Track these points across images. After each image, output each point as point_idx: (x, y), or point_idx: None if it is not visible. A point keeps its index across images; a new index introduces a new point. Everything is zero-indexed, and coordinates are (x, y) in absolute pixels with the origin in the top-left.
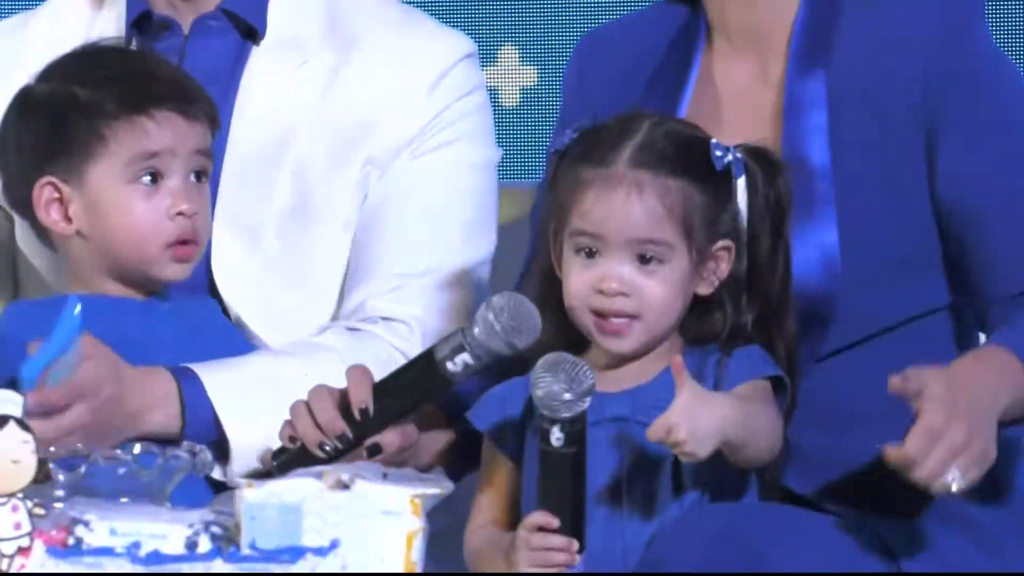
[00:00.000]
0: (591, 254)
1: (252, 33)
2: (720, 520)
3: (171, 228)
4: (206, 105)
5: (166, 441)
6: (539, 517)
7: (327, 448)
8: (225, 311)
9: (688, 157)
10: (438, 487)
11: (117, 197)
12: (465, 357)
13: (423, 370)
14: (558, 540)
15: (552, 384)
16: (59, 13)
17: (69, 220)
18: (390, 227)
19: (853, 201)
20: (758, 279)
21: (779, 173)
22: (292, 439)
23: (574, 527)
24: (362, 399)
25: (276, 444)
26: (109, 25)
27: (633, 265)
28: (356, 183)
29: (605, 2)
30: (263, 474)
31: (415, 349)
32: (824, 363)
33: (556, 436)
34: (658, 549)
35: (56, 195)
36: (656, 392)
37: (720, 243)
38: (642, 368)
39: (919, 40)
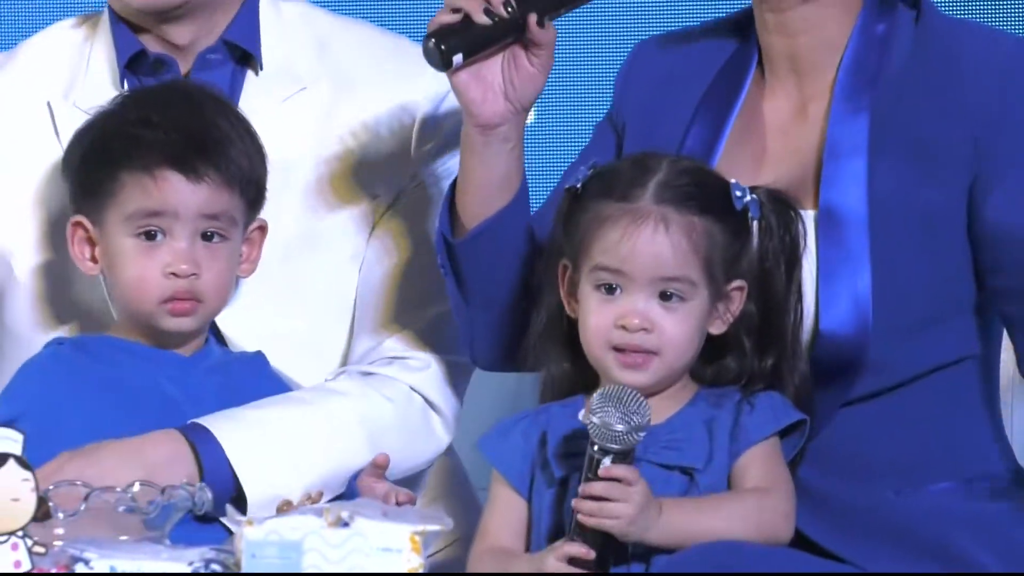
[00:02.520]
0: (611, 290)
1: (248, 61)
2: (719, 555)
3: (165, 285)
4: (231, 161)
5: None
6: (576, 548)
7: (495, 13)
8: (221, 339)
9: (710, 195)
10: (438, 524)
11: (121, 248)
12: None
13: None
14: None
15: (609, 415)
16: (52, 48)
17: (95, 260)
18: (397, 266)
19: (888, 250)
20: (773, 322)
21: (793, 217)
22: (452, 10)
23: (603, 558)
24: None
25: (291, 494)
26: (101, 65)
27: (655, 301)
28: (363, 215)
29: (589, 51)
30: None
31: (431, 383)
32: (849, 409)
33: (606, 468)
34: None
35: (85, 234)
36: (669, 433)
37: (735, 282)
38: (656, 408)
39: (971, 95)
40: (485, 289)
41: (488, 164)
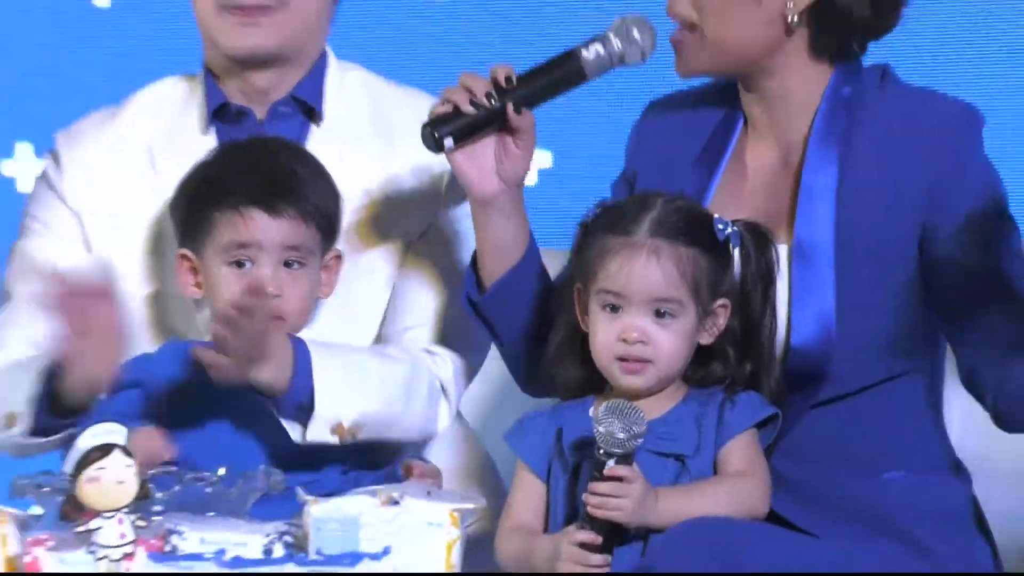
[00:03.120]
0: (615, 309)
1: (313, 115)
2: (707, 529)
3: None
4: (307, 201)
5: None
6: (584, 536)
7: (474, 103)
8: None
9: (696, 229)
10: (472, 503)
11: (217, 275)
12: (598, 47)
13: (562, 56)
14: (597, 559)
15: (612, 425)
16: (154, 102)
17: (198, 286)
18: (424, 283)
19: (850, 280)
20: (752, 334)
21: (767, 246)
22: (444, 103)
23: (609, 542)
24: (508, 70)
25: (344, 420)
26: (193, 114)
27: (651, 319)
28: (398, 250)
29: (606, 112)
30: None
31: (447, 373)
32: (816, 410)
33: (611, 468)
34: (651, 553)
35: (190, 264)
36: (664, 427)
37: (719, 301)
38: (653, 405)
39: (925, 152)
40: (510, 332)
41: (493, 232)
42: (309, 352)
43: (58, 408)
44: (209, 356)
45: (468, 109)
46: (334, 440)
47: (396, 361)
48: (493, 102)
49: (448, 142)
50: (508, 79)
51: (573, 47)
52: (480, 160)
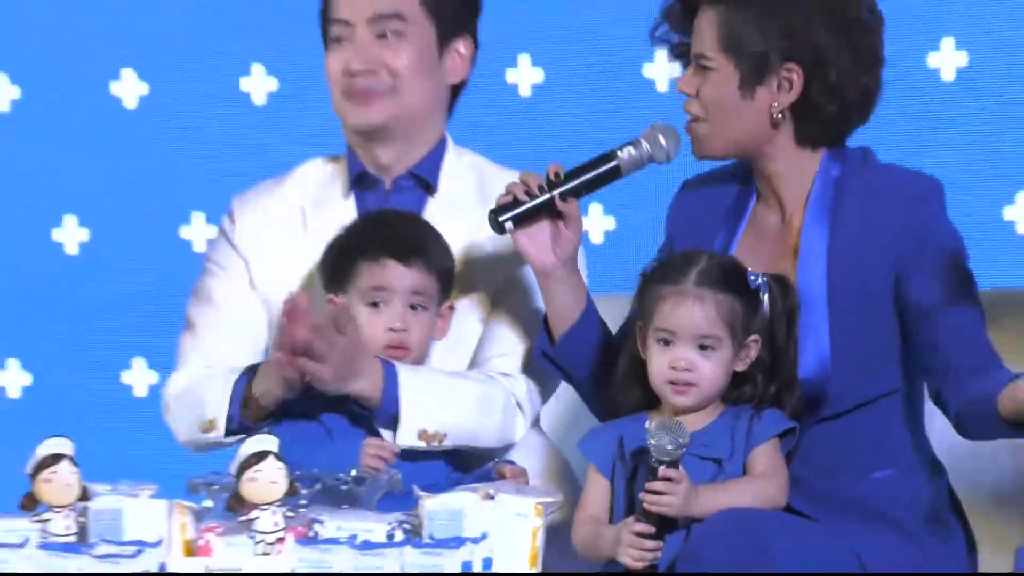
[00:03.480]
0: (667, 343)
1: (429, 188)
2: (739, 519)
3: (382, 338)
4: (431, 258)
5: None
6: (640, 527)
7: (529, 194)
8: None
9: (732, 280)
10: (553, 497)
11: (358, 314)
12: (631, 149)
13: (602, 156)
14: (651, 545)
15: (662, 439)
16: (307, 175)
17: None
18: (506, 318)
19: (841, 321)
20: (777, 363)
21: (790, 293)
22: (507, 194)
23: (660, 531)
24: (558, 167)
25: (430, 428)
26: (337, 185)
27: (695, 351)
28: (488, 297)
29: (655, 188)
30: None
31: (522, 393)
32: (819, 425)
33: (662, 471)
34: (694, 539)
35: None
36: (706, 436)
37: (751, 336)
38: (696, 420)
39: (897, 217)
40: (578, 374)
41: (555, 297)
42: (397, 371)
43: (251, 408)
44: (310, 366)
45: (523, 199)
46: (422, 444)
47: (474, 380)
48: (544, 193)
49: (508, 225)
50: (557, 174)
51: (611, 149)
52: (537, 239)
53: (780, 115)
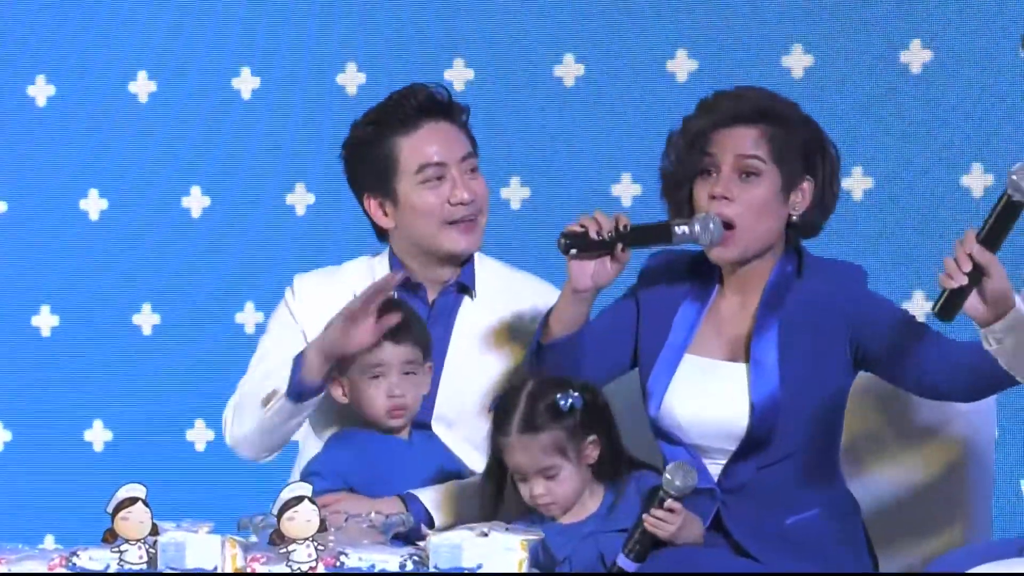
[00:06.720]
0: (524, 480)
1: (466, 290)
2: (676, 555)
3: (386, 403)
4: (416, 334)
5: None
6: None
7: (601, 236)
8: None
9: (551, 412)
10: (535, 535)
11: (358, 386)
12: (685, 227)
13: (662, 224)
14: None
15: (676, 476)
16: (359, 268)
17: (345, 395)
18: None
19: (788, 387)
20: (615, 442)
21: (598, 394)
22: (583, 226)
23: (645, 551)
24: (626, 220)
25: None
26: (378, 277)
27: (542, 481)
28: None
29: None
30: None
31: None
32: (765, 469)
33: (668, 503)
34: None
35: (337, 380)
36: (608, 516)
37: (589, 439)
38: (582, 509)
39: (840, 300)
40: (564, 373)
41: (569, 308)
42: (419, 499)
43: (310, 369)
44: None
45: (594, 236)
46: None
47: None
48: (610, 237)
49: (573, 252)
50: (625, 226)
51: (670, 220)
52: (585, 267)
53: (796, 217)
